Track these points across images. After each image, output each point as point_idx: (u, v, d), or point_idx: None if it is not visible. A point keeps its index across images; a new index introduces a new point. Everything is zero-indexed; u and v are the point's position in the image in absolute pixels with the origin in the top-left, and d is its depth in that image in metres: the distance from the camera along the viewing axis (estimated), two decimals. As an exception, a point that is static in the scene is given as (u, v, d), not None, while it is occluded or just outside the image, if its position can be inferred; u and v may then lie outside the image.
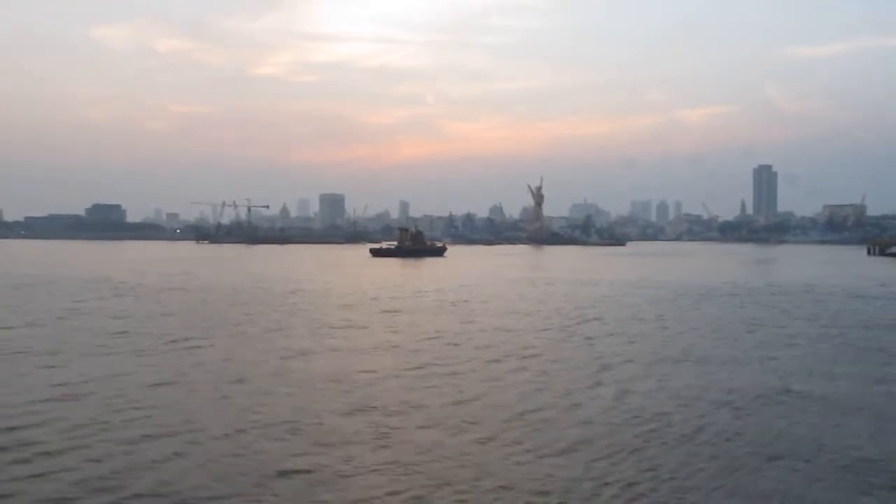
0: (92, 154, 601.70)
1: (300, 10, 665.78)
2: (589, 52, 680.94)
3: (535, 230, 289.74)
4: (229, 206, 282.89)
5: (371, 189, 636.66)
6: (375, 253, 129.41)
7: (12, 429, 14.42)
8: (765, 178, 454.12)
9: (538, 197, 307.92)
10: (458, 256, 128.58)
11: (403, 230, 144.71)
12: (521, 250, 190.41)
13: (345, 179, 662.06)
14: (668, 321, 33.69)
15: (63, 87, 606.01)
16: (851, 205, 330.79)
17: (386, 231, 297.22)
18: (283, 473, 12.11)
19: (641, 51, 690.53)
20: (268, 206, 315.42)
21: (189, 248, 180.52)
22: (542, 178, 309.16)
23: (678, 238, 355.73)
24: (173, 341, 26.04)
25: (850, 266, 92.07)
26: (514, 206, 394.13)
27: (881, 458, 13.01)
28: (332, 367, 21.55)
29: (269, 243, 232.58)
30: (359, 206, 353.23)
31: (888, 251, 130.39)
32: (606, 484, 11.68)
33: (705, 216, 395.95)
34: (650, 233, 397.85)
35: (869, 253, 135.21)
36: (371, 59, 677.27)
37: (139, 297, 44.78)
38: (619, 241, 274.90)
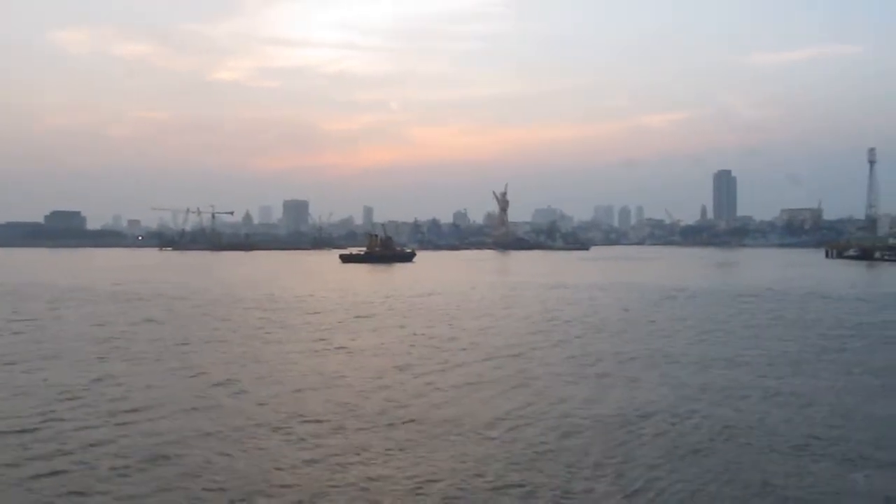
0: (50, 160, 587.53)
1: (260, 16, 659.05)
2: (553, 59, 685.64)
3: (500, 235, 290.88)
4: (193, 212, 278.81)
5: (335, 195, 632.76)
6: (345, 259, 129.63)
7: (22, 431, 14.90)
8: (724, 183, 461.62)
9: (503, 203, 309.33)
10: (427, 262, 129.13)
11: (373, 236, 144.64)
12: (488, 255, 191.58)
13: (308, 186, 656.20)
14: (637, 322, 34.83)
15: (21, 92, 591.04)
16: (808, 209, 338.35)
17: (350, 237, 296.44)
18: (291, 465, 12.76)
19: (605, 57, 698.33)
20: (232, 213, 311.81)
21: (153, 256, 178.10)
22: (507, 185, 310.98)
23: (641, 242, 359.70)
24: (161, 347, 26.41)
25: (810, 268, 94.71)
26: (478, 212, 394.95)
27: (851, 441, 14.16)
28: (323, 367, 22.22)
29: (235, 250, 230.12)
30: (323, 213, 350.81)
31: (845, 254, 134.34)
32: (599, 465, 12.59)
33: (667, 221, 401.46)
34: (613, 237, 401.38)
35: (827, 256, 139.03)
36: (333, 65, 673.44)
37: (115, 305, 44.71)
38: (583, 245, 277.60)
